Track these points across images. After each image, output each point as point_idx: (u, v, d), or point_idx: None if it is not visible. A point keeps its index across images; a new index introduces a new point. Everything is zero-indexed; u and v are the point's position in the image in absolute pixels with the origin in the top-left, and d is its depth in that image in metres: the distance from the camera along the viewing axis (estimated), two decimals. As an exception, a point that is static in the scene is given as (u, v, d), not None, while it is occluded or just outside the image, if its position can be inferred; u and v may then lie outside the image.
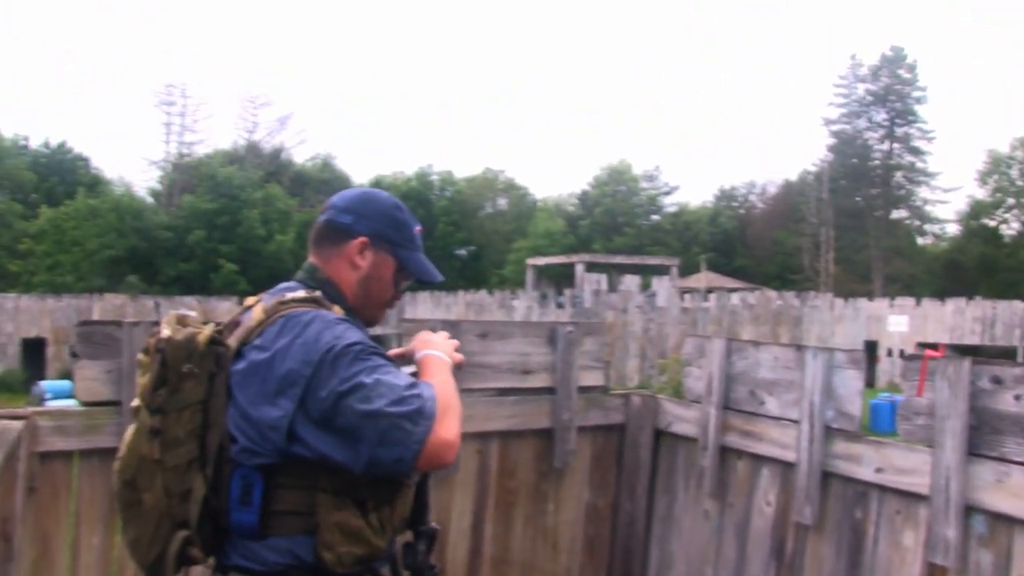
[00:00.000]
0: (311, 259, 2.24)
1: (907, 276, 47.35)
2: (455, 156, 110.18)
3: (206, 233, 43.95)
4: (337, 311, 2.08)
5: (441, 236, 51.86)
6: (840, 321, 20.68)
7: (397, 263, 2.24)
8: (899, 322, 19.50)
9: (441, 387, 2.03)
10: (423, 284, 2.34)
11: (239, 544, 2.03)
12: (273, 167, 55.63)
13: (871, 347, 21.80)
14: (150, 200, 52.39)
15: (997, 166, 53.04)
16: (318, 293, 2.12)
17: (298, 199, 51.60)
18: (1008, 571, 3.13)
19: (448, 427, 1.94)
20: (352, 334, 1.97)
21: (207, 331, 2.04)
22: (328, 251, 2.22)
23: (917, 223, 55.31)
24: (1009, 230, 51.11)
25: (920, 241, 55.30)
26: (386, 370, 1.95)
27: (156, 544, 2.00)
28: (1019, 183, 51.80)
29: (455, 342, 2.32)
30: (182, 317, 2.09)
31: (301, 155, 75.48)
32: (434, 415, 1.91)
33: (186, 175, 51.99)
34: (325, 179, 56.88)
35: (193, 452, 1.99)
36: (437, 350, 2.23)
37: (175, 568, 2.02)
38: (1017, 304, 21.52)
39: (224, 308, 24.06)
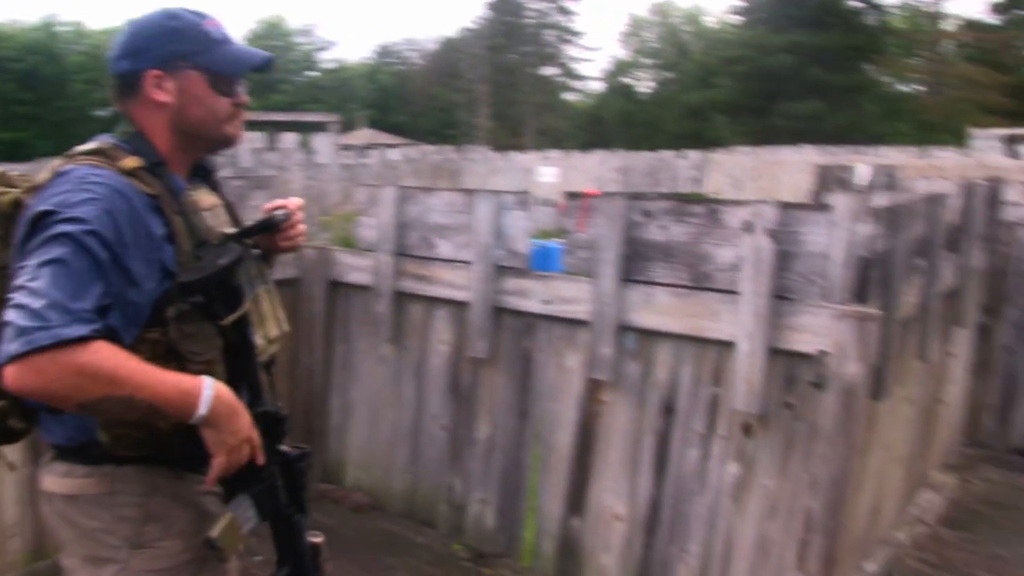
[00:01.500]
0: (128, 122, 1.94)
1: (556, 130, 50.06)
2: (87, 4, 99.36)
3: None
4: (130, 163, 1.82)
5: (77, 96, 47.13)
6: (495, 173, 21.57)
7: (205, 73, 1.91)
8: (549, 173, 20.64)
9: (133, 368, 1.65)
10: (261, 72, 2.00)
11: (46, 417, 1.87)
12: None
13: (530, 203, 22.90)
14: None
15: (637, 28, 56.94)
16: (110, 143, 1.87)
17: None
18: (650, 377, 3.56)
19: (33, 375, 1.58)
20: (85, 208, 1.69)
21: (13, 193, 1.81)
22: (128, 105, 1.93)
23: (565, 79, 58.27)
24: (645, 88, 55.46)
25: (567, 97, 58.45)
26: (61, 269, 1.62)
27: None
28: (654, 45, 56.07)
29: (252, 446, 1.85)
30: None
31: None
32: (40, 348, 1.55)
33: None
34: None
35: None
36: (223, 403, 1.76)
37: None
38: (649, 154, 23.60)
39: None
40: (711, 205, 3.30)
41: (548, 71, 57.00)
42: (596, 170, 21.64)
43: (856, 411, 3.04)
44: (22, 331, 1.55)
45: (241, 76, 1.97)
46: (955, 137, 31.10)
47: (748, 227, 3.15)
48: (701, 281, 3.33)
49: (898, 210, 3.26)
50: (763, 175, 19.77)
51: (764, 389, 3.22)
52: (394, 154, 20.46)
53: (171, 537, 1.90)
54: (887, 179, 6.64)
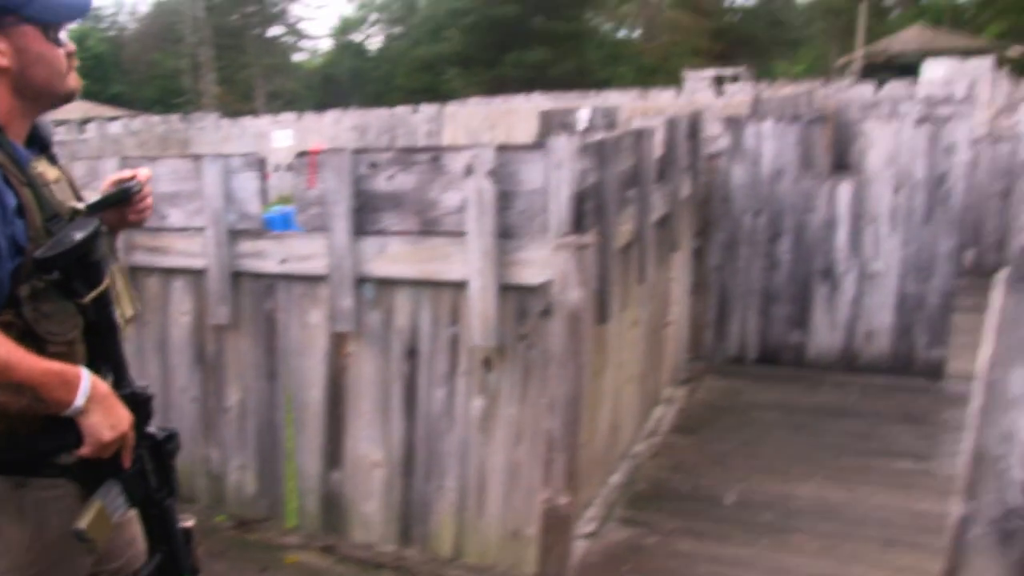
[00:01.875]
0: None
1: (288, 92, 48.80)
2: None
3: None
4: None
5: None
6: (227, 140, 20.85)
7: (38, 26, 1.73)
8: (284, 136, 20.24)
9: (20, 356, 1.60)
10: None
11: None
12: None
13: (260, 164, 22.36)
14: None
15: (361, -15, 56.24)
16: None
17: None
18: (392, 324, 3.67)
19: None
20: None
21: None
22: None
23: (293, 40, 56.75)
24: (374, 44, 55.04)
25: (297, 57, 57.01)
26: None
27: None
28: (380, 1, 55.66)
29: (123, 432, 1.77)
30: None
31: None
32: None
33: None
34: None
35: None
36: (98, 393, 1.71)
37: None
38: (384, 112, 23.59)
39: None
40: (434, 152, 3.42)
41: (274, 32, 55.27)
42: (331, 130, 21.42)
43: (582, 334, 3.29)
44: None
45: (74, 20, 1.81)
46: (671, 79, 33.17)
47: (469, 171, 3.31)
48: (430, 226, 3.46)
49: (606, 145, 3.51)
50: (497, 124, 20.33)
51: (499, 323, 3.41)
52: (115, 127, 19.29)
53: (13, 523, 1.78)
54: (607, 120, 7.05)
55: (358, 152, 3.58)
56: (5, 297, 1.65)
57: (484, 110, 22.16)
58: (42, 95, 1.80)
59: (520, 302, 3.41)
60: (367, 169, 3.55)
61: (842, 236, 6.00)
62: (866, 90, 13.87)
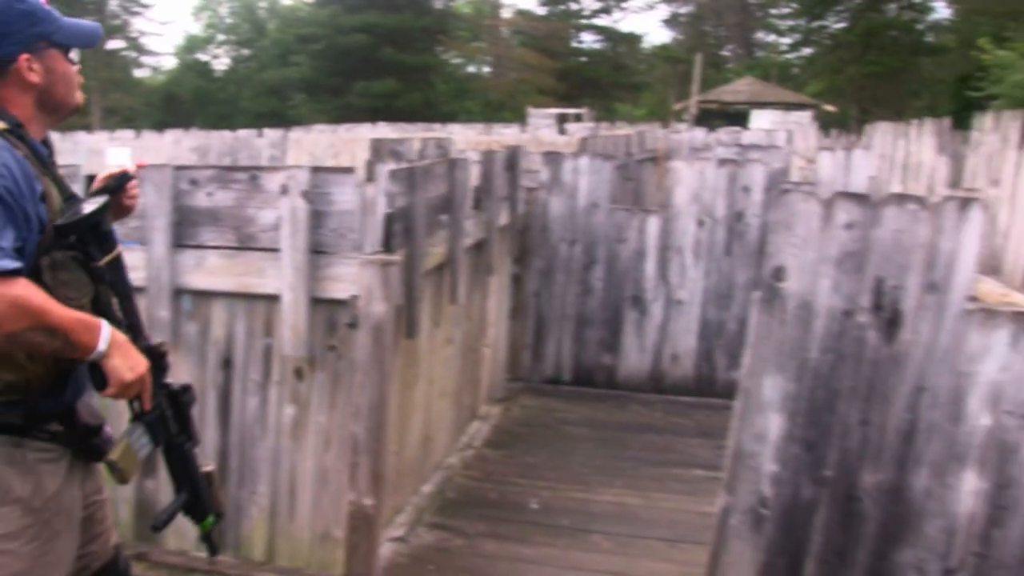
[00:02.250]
0: None
1: (127, 108, 47.21)
2: None
3: None
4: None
5: None
6: (59, 156, 20.11)
7: (60, 48, 2.08)
8: (120, 154, 19.66)
9: (52, 304, 1.89)
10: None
11: None
12: None
13: (91, 180, 21.61)
14: None
15: (210, 2, 55.12)
16: None
17: None
18: (208, 335, 3.83)
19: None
20: None
21: None
22: None
23: (134, 55, 54.99)
24: (220, 64, 53.98)
25: (138, 73, 55.22)
26: None
27: None
28: (228, 20, 54.69)
29: (141, 373, 2.05)
30: None
31: None
32: None
33: None
34: None
35: None
36: (117, 340, 2.00)
37: None
38: (227, 134, 23.32)
39: None
40: (252, 171, 3.62)
41: (114, 45, 53.40)
42: (171, 150, 20.89)
43: (386, 345, 3.54)
44: None
45: (86, 47, 2.14)
46: (517, 115, 34.00)
47: (284, 190, 3.52)
48: (247, 242, 3.65)
49: (416, 172, 3.79)
50: (341, 152, 20.33)
51: (309, 335, 3.62)
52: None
53: (8, 504, 2.01)
54: (440, 151, 7.34)
55: (179, 168, 3.74)
56: (31, 266, 1.91)
57: (329, 138, 22.11)
58: (59, 108, 2.13)
59: (330, 315, 3.63)
60: (187, 185, 3.70)
61: (651, 266, 6.48)
62: (699, 134, 14.73)
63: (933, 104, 32.94)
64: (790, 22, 46.73)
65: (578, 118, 27.69)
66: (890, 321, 3.13)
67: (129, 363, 2.00)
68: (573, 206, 6.47)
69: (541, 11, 49.38)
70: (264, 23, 53.92)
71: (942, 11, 45.64)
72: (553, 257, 6.53)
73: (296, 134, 22.91)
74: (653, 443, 5.68)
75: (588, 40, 50.12)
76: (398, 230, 3.67)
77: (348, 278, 3.51)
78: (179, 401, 2.21)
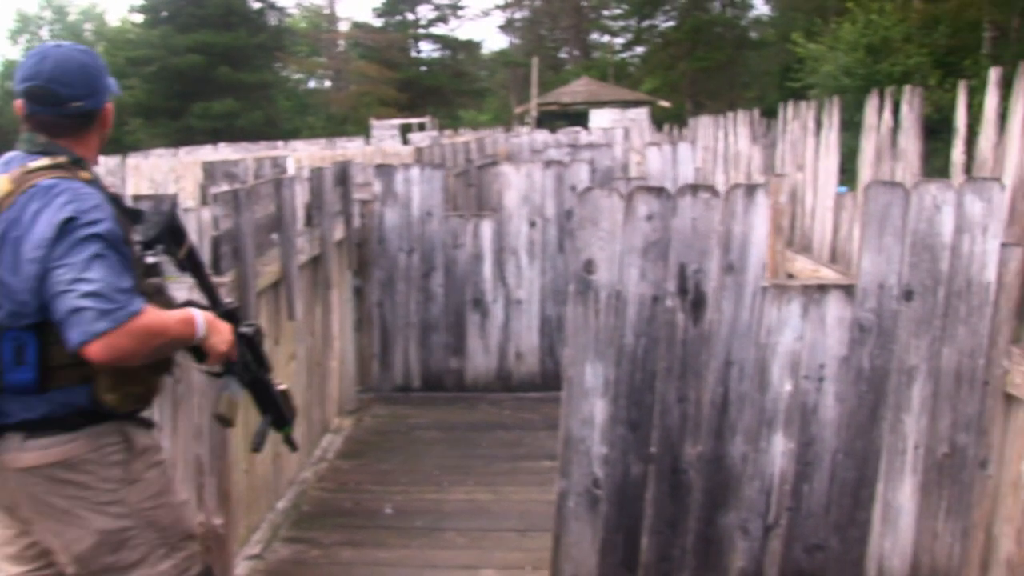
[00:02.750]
0: (49, 140, 2.25)
1: (-55, 143, 44.66)
2: None
3: None
4: (85, 176, 2.22)
5: None
6: None
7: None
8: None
9: (167, 319, 2.23)
10: None
11: (14, 400, 2.18)
12: None
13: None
14: None
15: (27, 25, 52.63)
16: (63, 159, 2.20)
17: None
18: None
19: (123, 342, 2.05)
20: (96, 213, 2.11)
21: None
22: (79, 136, 2.31)
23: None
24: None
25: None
26: (104, 262, 2.06)
27: None
28: (49, 40, 52.46)
29: (229, 340, 2.44)
30: None
31: None
32: (122, 322, 2.03)
33: None
34: None
35: None
36: (207, 321, 2.37)
37: None
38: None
39: None
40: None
41: (-73, 78, 50.36)
42: (-3, 185, 20.02)
43: (222, 365, 3.59)
44: (104, 312, 2.01)
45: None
46: (360, 128, 33.86)
47: (105, 221, 3.53)
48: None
49: (239, 194, 3.85)
50: (183, 176, 19.89)
51: (143, 361, 3.63)
52: None
53: (151, 468, 2.41)
54: (277, 170, 7.36)
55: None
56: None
57: (169, 162, 21.60)
58: (103, 143, 2.45)
59: (164, 340, 3.65)
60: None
61: (488, 268, 6.69)
62: (540, 137, 15.10)
63: (762, 95, 34.68)
64: (622, 23, 48.31)
65: (421, 127, 27.89)
66: (695, 303, 3.41)
67: (220, 337, 2.39)
68: (408, 216, 6.60)
69: (378, 23, 49.38)
70: (92, 46, 51.80)
71: (761, 7, 48.15)
72: (393, 267, 6.66)
73: (134, 160, 22.26)
74: (503, 439, 5.87)
75: (427, 49, 50.50)
76: (226, 252, 3.73)
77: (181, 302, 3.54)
78: (253, 342, 2.59)
